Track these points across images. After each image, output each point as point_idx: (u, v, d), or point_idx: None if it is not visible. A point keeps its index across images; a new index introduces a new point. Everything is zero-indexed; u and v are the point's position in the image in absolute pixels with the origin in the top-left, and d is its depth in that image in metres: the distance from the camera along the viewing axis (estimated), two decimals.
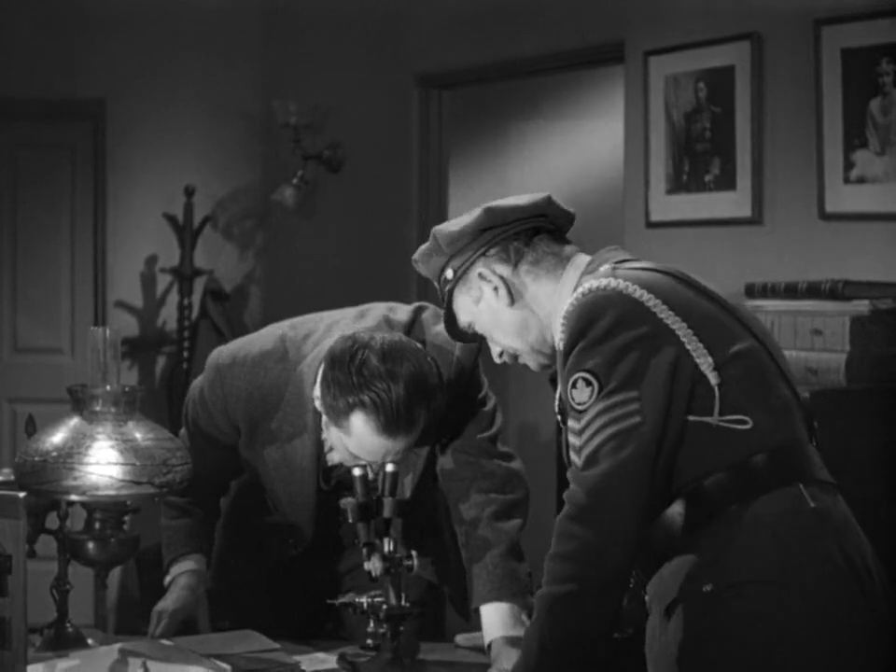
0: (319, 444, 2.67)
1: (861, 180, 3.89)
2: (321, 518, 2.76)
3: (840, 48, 3.91)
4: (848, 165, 3.91)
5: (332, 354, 2.52)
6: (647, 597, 2.08)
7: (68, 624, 2.66)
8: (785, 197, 4.14)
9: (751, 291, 3.70)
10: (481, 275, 2.28)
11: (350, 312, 2.78)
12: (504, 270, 2.27)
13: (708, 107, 4.32)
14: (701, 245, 4.35)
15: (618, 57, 4.67)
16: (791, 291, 3.59)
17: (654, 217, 4.51)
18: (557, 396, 2.16)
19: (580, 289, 2.10)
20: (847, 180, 3.93)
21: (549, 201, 2.30)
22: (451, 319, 2.36)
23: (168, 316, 5.87)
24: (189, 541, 2.86)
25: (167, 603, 2.79)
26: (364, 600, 2.53)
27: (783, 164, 4.14)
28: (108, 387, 2.56)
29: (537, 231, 2.28)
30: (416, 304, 2.79)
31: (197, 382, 2.83)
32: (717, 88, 4.29)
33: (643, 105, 4.52)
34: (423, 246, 2.37)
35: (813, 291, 3.54)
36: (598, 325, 2.02)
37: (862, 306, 3.44)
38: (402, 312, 2.76)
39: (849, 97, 3.90)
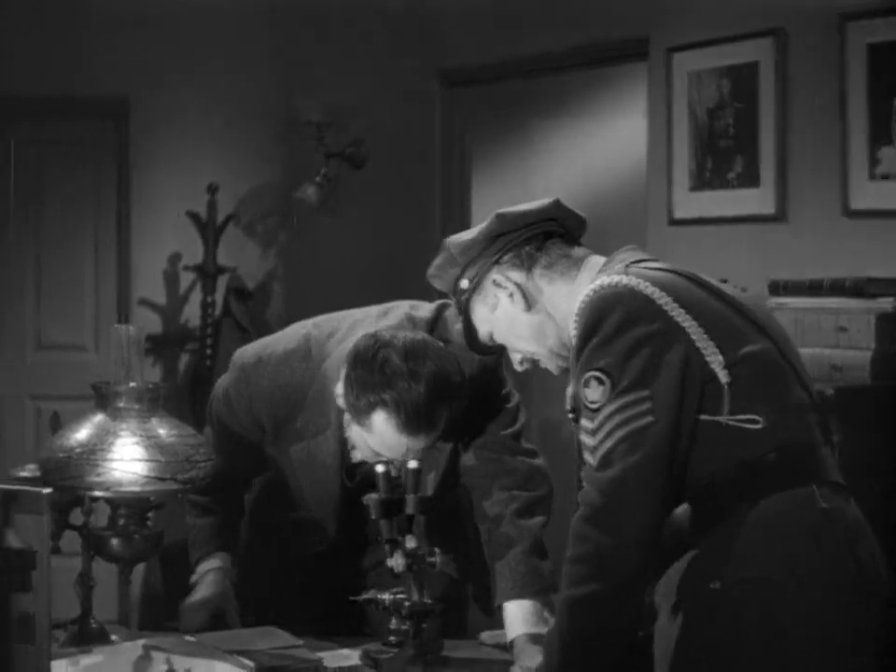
0: (343, 442, 2.67)
1: (886, 177, 3.88)
2: (345, 515, 2.76)
3: (865, 43, 3.90)
4: (874, 162, 3.90)
5: (355, 352, 2.53)
6: (656, 596, 2.08)
7: (92, 620, 2.66)
8: (809, 194, 4.12)
9: (775, 288, 3.69)
10: (495, 282, 2.27)
11: (373, 310, 2.78)
12: (518, 275, 2.26)
13: (732, 104, 4.30)
14: (724, 242, 4.34)
15: (641, 53, 4.66)
16: (815, 288, 3.59)
17: (677, 215, 4.50)
18: (568, 394, 2.15)
19: (590, 286, 2.10)
20: (871, 177, 3.91)
21: (558, 204, 2.30)
22: (470, 331, 2.35)
23: (191, 314, 5.89)
24: (214, 539, 2.87)
25: (195, 598, 2.80)
26: (387, 597, 2.53)
27: (807, 161, 4.13)
28: (132, 384, 2.56)
29: (549, 236, 2.28)
30: (439, 302, 2.79)
31: (221, 381, 2.83)
32: (740, 84, 4.27)
33: (666, 102, 4.51)
34: (436, 260, 2.37)
35: (837, 288, 3.53)
36: (608, 321, 2.02)
37: (886, 303, 3.43)
38: (425, 309, 2.76)
39: (875, 93, 3.89)
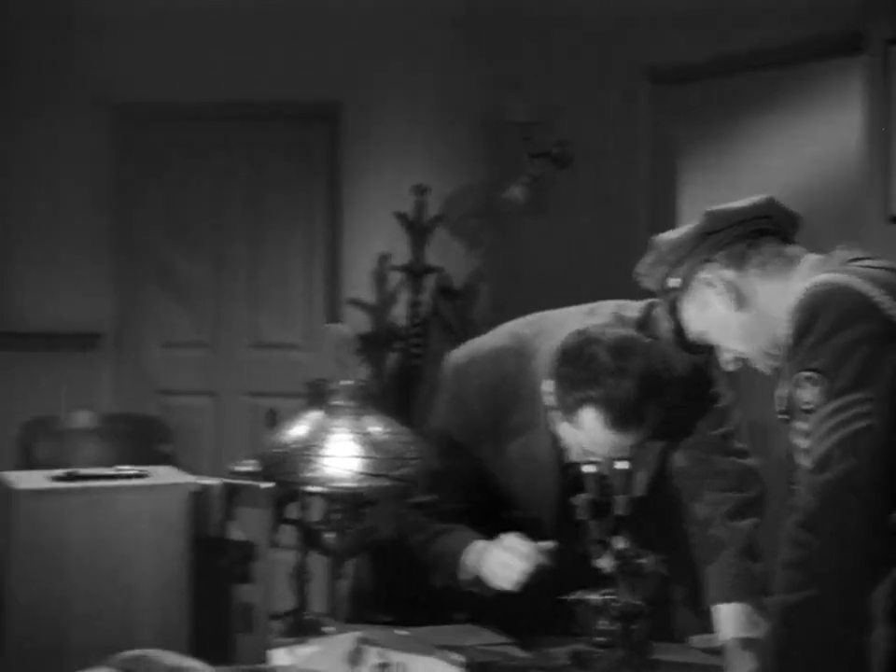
0: (556, 440, 2.67)
1: None
2: (561, 514, 2.75)
3: None
4: None
5: (563, 349, 2.54)
6: (872, 604, 2.02)
7: (307, 612, 2.73)
8: None
9: None
10: (706, 281, 2.25)
11: (580, 309, 2.79)
12: (730, 274, 2.24)
13: None
14: None
15: (855, 47, 4.54)
16: None
17: None
18: (779, 395, 2.11)
19: (804, 284, 2.06)
20: None
21: (771, 202, 2.26)
22: (679, 330, 2.33)
23: (399, 313, 5.96)
24: (468, 536, 2.78)
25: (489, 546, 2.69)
26: (596, 597, 2.53)
27: None
28: (346, 382, 2.62)
29: (761, 233, 2.24)
30: (648, 300, 2.77)
31: (438, 392, 2.85)
32: None
33: (885, 96, 4.38)
34: (646, 258, 2.36)
35: None
36: (823, 320, 1.98)
37: None
38: (634, 308, 2.75)
39: None
